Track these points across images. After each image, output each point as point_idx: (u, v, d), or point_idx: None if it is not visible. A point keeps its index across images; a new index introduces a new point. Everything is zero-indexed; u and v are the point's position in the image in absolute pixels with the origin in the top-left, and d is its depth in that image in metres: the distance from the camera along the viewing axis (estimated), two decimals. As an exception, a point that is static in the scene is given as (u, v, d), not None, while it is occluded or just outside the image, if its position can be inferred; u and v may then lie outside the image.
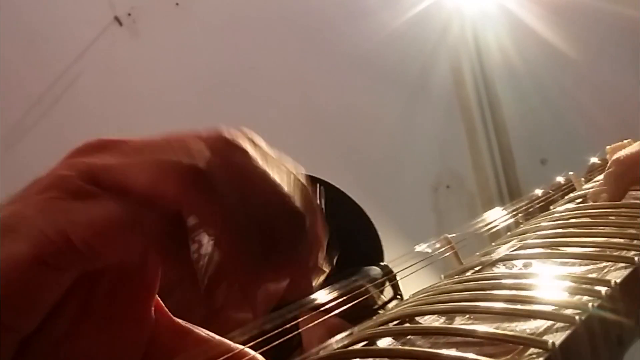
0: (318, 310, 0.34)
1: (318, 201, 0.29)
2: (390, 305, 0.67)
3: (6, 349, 0.24)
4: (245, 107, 1.77)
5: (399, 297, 0.68)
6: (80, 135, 0.27)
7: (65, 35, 1.61)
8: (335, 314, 0.43)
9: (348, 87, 1.91)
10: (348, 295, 0.35)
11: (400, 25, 1.94)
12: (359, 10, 1.94)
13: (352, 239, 0.72)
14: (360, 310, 0.35)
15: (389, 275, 0.68)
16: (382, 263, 0.72)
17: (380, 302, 0.67)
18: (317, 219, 0.28)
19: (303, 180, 0.28)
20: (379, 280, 0.67)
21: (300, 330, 0.35)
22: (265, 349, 0.29)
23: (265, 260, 0.25)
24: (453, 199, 2.05)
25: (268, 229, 0.25)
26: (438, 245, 0.35)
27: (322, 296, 0.34)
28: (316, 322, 0.35)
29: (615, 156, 0.43)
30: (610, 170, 0.44)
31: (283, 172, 0.27)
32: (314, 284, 0.27)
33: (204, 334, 0.29)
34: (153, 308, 0.28)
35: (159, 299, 0.29)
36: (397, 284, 0.67)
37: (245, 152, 0.26)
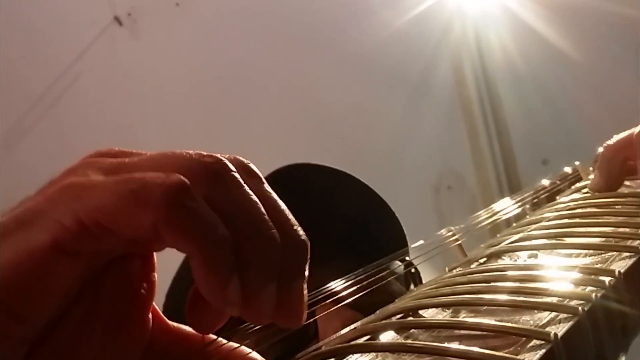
0: (333, 301, 0.34)
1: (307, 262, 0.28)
2: None
3: (18, 343, 0.24)
4: (245, 107, 1.77)
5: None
6: (80, 135, 0.28)
7: (65, 35, 1.61)
8: (352, 307, 0.43)
9: (349, 86, 1.91)
10: (362, 288, 0.35)
11: (401, 25, 1.94)
12: (361, 9, 1.93)
13: (375, 233, 0.72)
14: (382, 304, 0.34)
15: (409, 269, 0.67)
16: (406, 258, 0.71)
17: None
18: (299, 260, 0.27)
19: (295, 224, 0.28)
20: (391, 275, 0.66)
21: (314, 318, 0.35)
22: (277, 338, 0.29)
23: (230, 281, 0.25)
24: (454, 199, 2.04)
25: (242, 252, 0.25)
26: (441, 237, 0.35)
27: (339, 287, 0.34)
28: (331, 312, 0.34)
29: (604, 144, 0.43)
30: (602, 154, 0.43)
31: (276, 209, 0.27)
32: (263, 321, 0.26)
33: (200, 336, 0.29)
34: (150, 312, 0.28)
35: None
36: (419, 274, 0.66)
37: (237, 181, 0.27)
